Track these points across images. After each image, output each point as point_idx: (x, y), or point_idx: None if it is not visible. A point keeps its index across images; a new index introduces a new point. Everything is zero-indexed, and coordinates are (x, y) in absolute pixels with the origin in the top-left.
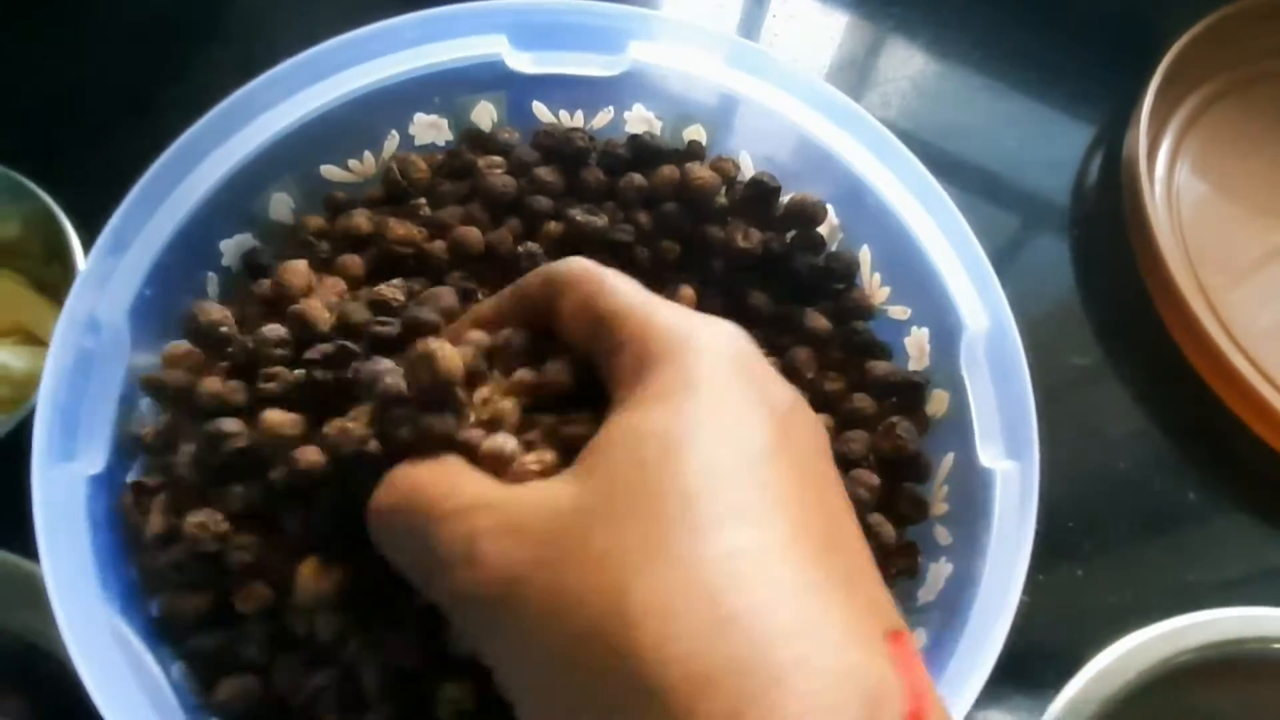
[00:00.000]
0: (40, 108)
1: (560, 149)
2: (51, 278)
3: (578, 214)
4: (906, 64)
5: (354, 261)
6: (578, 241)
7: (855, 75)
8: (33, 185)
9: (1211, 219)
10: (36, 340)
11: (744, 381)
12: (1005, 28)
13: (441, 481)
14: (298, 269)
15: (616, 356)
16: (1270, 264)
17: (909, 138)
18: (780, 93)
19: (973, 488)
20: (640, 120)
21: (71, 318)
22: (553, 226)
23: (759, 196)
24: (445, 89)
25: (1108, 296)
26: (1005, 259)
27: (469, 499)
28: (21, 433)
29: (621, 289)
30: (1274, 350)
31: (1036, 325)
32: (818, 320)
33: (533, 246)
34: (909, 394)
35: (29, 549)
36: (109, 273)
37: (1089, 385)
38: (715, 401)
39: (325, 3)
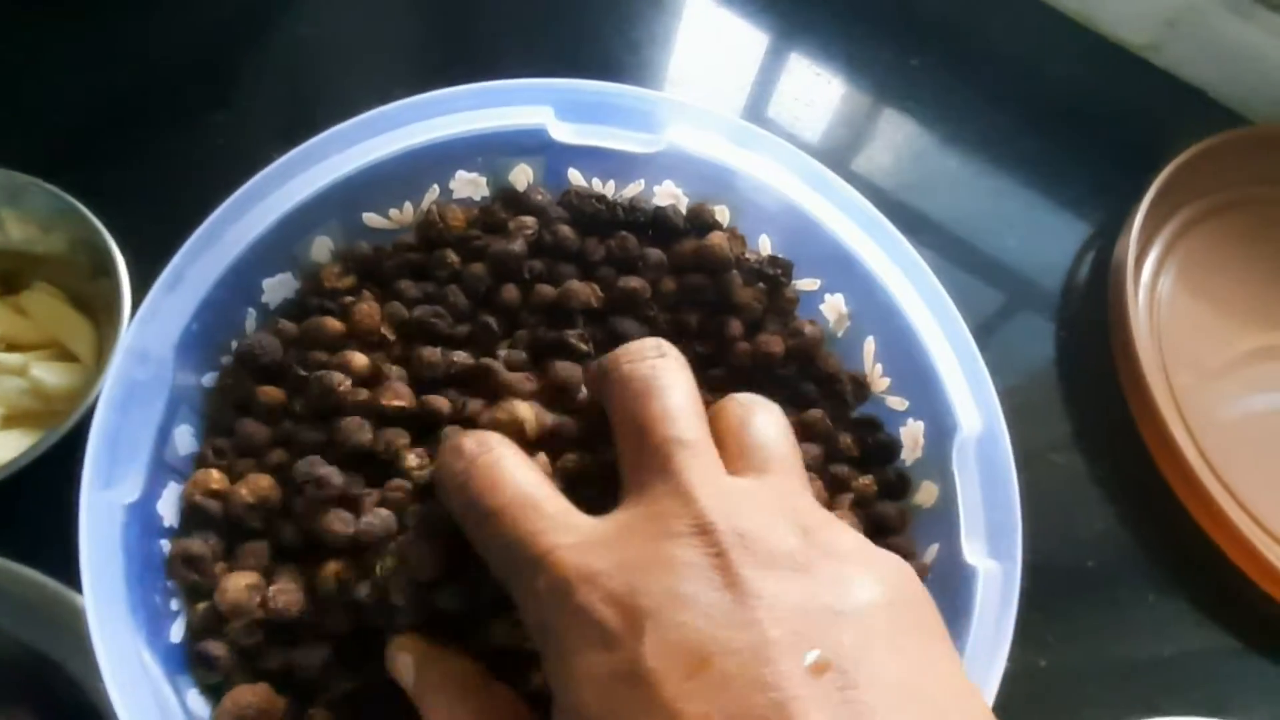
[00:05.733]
0: (81, 120)
1: (584, 211)
2: (92, 293)
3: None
4: (918, 157)
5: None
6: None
7: (869, 161)
8: (79, 204)
9: (1187, 326)
10: (70, 356)
11: None
12: (1014, 133)
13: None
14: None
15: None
16: (1236, 369)
17: (918, 224)
18: (808, 189)
19: (955, 581)
20: (669, 195)
21: (127, 351)
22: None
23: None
24: (489, 150)
25: (1089, 393)
26: (995, 350)
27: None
28: (56, 453)
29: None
30: (1233, 459)
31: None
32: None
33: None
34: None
35: (48, 564)
36: (164, 308)
37: (1064, 480)
38: None
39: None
